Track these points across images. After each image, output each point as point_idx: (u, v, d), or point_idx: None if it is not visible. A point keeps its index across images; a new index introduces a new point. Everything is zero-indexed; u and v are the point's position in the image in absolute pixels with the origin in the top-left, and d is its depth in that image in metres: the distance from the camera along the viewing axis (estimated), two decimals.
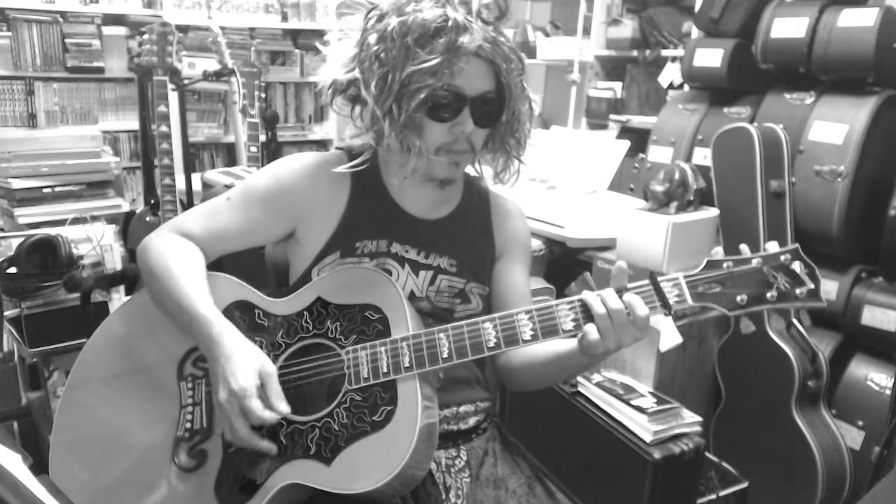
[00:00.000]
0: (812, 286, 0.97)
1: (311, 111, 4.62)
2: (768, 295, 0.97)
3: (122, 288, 2.13)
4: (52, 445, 1.11)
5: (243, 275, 1.16)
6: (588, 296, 0.99)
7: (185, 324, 1.06)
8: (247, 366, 0.99)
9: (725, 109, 2.47)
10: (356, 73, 1.08)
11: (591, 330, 0.98)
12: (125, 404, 1.11)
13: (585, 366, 1.11)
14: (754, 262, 0.98)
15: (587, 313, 0.99)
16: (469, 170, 1.30)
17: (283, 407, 0.99)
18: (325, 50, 1.15)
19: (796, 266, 0.97)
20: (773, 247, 0.99)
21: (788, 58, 2.23)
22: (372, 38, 1.06)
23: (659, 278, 0.99)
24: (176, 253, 1.11)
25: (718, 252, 1.00)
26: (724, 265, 0.98)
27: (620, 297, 0.98)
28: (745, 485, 1.90)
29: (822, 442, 2.03)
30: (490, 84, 1.09)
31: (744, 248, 0.99)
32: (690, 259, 2.07)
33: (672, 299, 0.98)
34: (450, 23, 1.02)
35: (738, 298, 0.97)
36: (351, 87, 1.11)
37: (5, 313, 1.99)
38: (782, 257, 0.98)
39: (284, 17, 4.32)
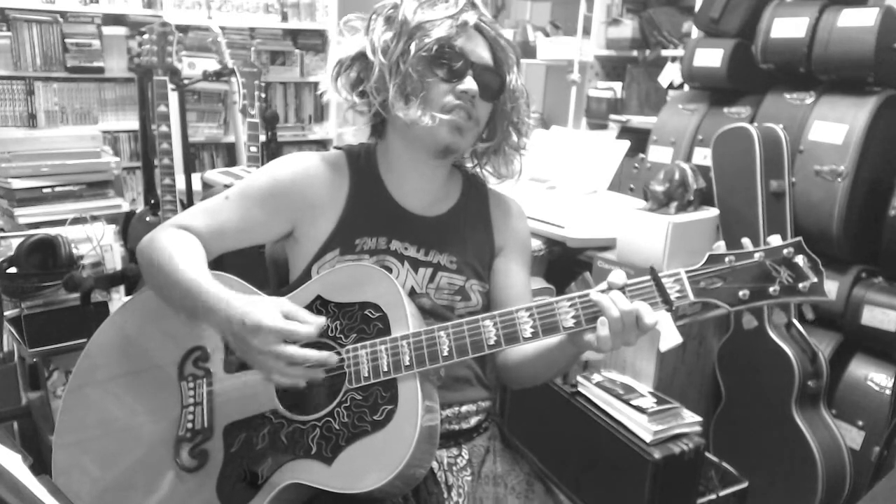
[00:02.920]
0: (815, 280, 0.95)
1: (311, 111, 4.62)
2: (771, 289, 0.95)
3: (122, 288, 2.13)
4: (55, 447, 1.11)
5: (244, 273, 1.16)
6: (601, 298, 0.97)
7: (190, 305, 1.06)
8: (265, 309, 0.99)
9: (725, 109, 2.47)
10: (364, 44, 1.13)
11: (591, 336, 0.99)
12: (127, 405, 1.11)
13: (573, 357, 1.11)
14: (756, 255, 0.96)
15: (588, 310, 0.99)
16: (468, 167, 1.30)
17: (320, 319, 1.00)
18: (336, 38, 1.18)
19: (799, 259, 0.95)
20: (775, 240, 0.97)
21: (788, 58, 2.23)
22: (381, 14, 1.13)
23: (660, 273, 0.98)
24: (180, 243, 1.12)
25: (720, 246, 0.98)
26: (726, 259, 0.96)
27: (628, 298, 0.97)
28: (745, 485, 1.90)
29: (822, 442, 2.03)
30: (491, 61, 1.15)
31: (746, 241, 0.98)
32: (690, 259, 2.05)
33: (673, 295, 0.97)
34: None
35: (741, 293, 0.96)
36: (357, 63, 1.15)
37: (5, 313, 1.99)
38: (785, 251, 0.96)
39: (284, 17, 4.33)
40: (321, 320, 1.01)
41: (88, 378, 1.14)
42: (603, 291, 0.99)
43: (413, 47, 1.09)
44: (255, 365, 1.01)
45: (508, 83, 1.17)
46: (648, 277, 0.98)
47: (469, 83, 1.11)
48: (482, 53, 1.14)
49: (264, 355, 0.98)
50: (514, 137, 1.21)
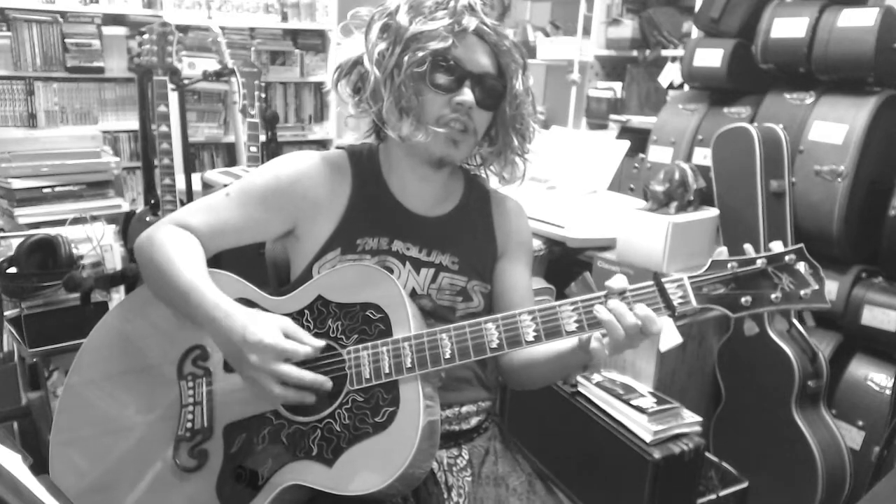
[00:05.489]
0: (816, 287, 0.95)
1: (311, 111, 4.62)
2: (772, 296, 0.95)
3: (122, 288, 2.12)
4: (52, 446, 1.10)
5: (243, 272, 1.16)
6: (606, 316, 0.97)
7: (189, 311, 1.05)
8: (266, 326, 0.99)
9: (725, 109, 2.47)
10: (362, 50, 1.11)
11: (598, 346, 0.99)
12: (125, 404, 1.11)
13: (586, 363, 1.10)
14: (759, 262, 0.96)
15: (591, 315, 0.99)
16: (470, 169, 1.30)
17: (318, 342, 1.01)
18: (336, 40, 1.18)
19: (801, 266, 0.96)
20: (777, 247, 0.97)
21: (788, 58, 2.23)
22: (378, 20, 1.10)
23: (663, 279, 0.98)
24: (178, 243, 1.11)
25: (723, 252, 0.98)
26: (729, 266, 0.96)
27: (629, 306, 0.97)
28: (745, 485, 1.90)
29: (822, 442, 2.03)
30: (492, 67, 1.12)
31: (748, 248, 0.98)
32: (690, 259, 2.07)
33: (676, 301, 0.97)
34: (452, 1, 1.07)
35: (743, 300, 0.96)
36: (356, 68, 1.14)
37: (5, 313, 1.99)
38: (787, 257, 0.96)
39: (284, 17, 4.33)
40: (320, 343, 1.01)
41: (86, 375, 1.13)
42: (605, 296, 0.99)
43: (407, 60, 1.06)
44: (247, 379, 1.01)
45: (510, 89, 1.14)
46: (651, 283, 0.98)
47: (465, 95, 1.09)
48: (482, 61, 1.11)
49: (258, 371, 0.98)
50: (517, 142, 1.19)
